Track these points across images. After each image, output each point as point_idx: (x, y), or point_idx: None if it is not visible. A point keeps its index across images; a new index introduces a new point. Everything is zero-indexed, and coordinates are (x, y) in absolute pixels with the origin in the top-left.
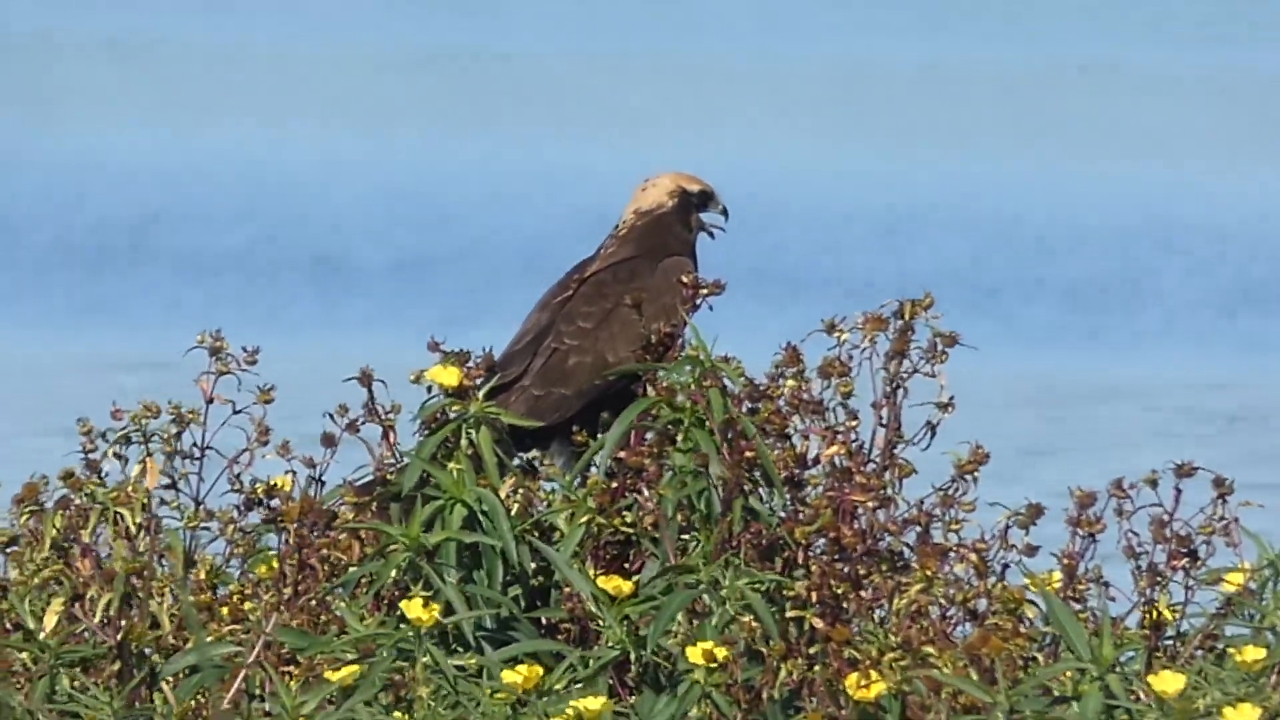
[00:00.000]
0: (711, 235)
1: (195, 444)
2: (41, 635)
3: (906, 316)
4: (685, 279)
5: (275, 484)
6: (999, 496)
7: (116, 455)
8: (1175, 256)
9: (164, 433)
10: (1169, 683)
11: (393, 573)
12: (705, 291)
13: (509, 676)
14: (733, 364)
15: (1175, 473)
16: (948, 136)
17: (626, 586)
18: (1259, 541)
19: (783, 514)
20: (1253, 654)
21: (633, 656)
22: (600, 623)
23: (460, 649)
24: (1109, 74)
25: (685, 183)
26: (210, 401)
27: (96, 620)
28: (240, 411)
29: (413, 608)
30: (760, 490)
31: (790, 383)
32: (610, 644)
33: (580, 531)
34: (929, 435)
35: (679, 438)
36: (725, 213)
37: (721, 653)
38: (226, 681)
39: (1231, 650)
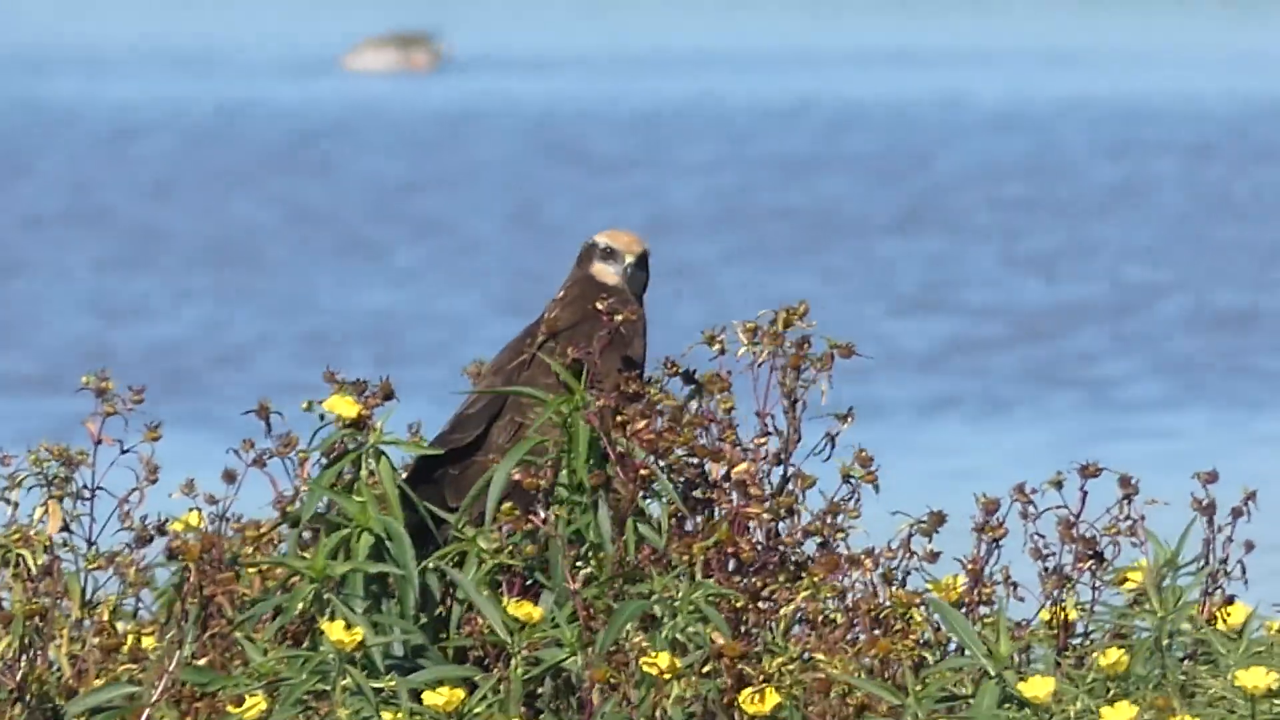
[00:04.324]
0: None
1: (85, 485)
2: None
3: (782, 326)
4: (600, 305)
5: (183, 521)
6: None
7: (4, 500)
8: None
9: (55, 475)
10: (1038, 687)
11: (299, 605)
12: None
13: (431, 698)
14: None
15: (1080, 474)
16: None
17: (537, 613)
18: (1154, 540)
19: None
20: (1114, 656)
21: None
22: (510, 648)
23: (371, 678)
24: None
25: (598, 239)
26: (98, 442)
27: None
28: (128, 451)
29: (334, 630)
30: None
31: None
32: (518, 665)
33: (474, 567)
34: (829, 446)
35: (563, 469)
36: (626, 276)
37: (672, 664)
38: None
39: (1095, 655)
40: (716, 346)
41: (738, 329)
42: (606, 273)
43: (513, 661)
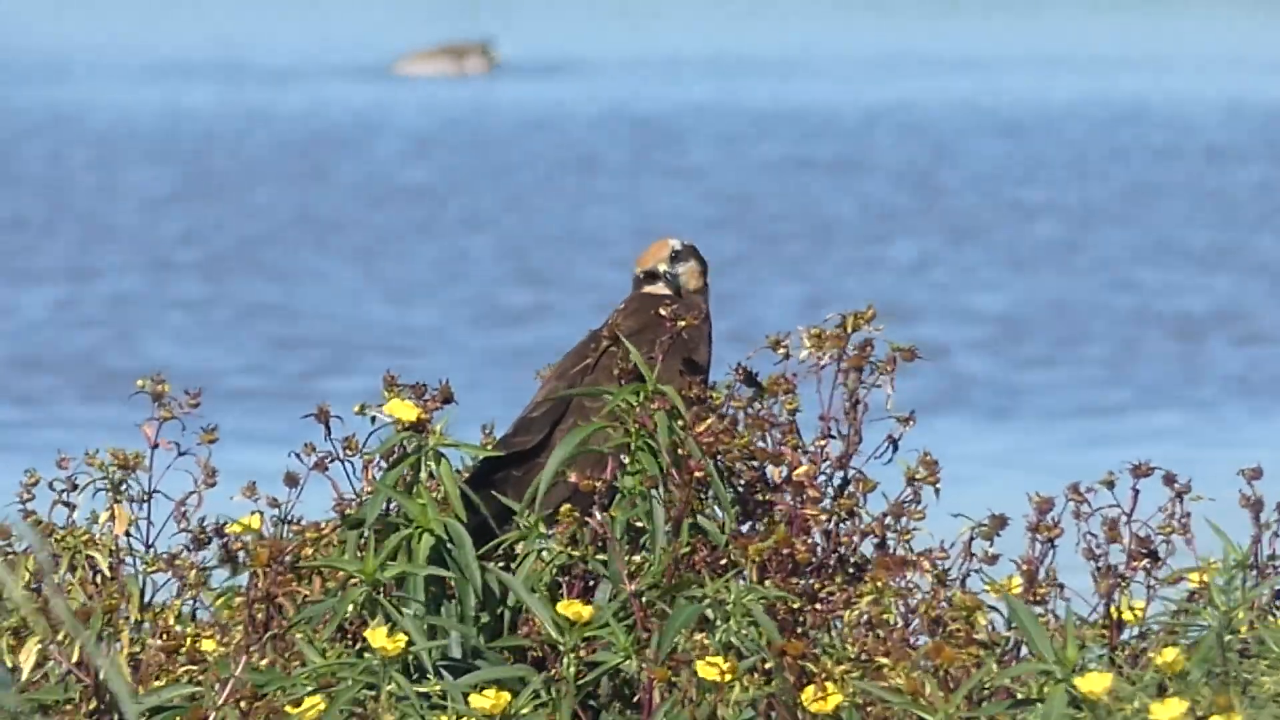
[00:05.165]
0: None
1: (142, 489)
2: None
3: (849, 329)
4: (663, 311)
5: (244, 524)
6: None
7: (64, 504)
8: None
9: (111, 479)
10: (1094, 683)
11: (350, 607)
12: (682, 324)
13: (477, 701)
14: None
15: (1132, 473)
16: None
17: (586, 612)
18: (1197, 555)
19: (732, 533)
20: (1170, 654)
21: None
22: (561, 647)
23: (424, 680)
24: None
25: (640, 263)
26: (155, 446)
27: (74, 660)
28: (184, 454)
29: (377, 636)
30: (708, 509)
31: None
32: (569, 666)
33: (531, 559)
34: (891, 449)
35: (627, 461)
36: (668, 282)
37: (731, 667)
38: None
39: (1151, 654)
40: (781, 350)
41: (802, 333)
42: (657, 288)
43: (564, 660)
